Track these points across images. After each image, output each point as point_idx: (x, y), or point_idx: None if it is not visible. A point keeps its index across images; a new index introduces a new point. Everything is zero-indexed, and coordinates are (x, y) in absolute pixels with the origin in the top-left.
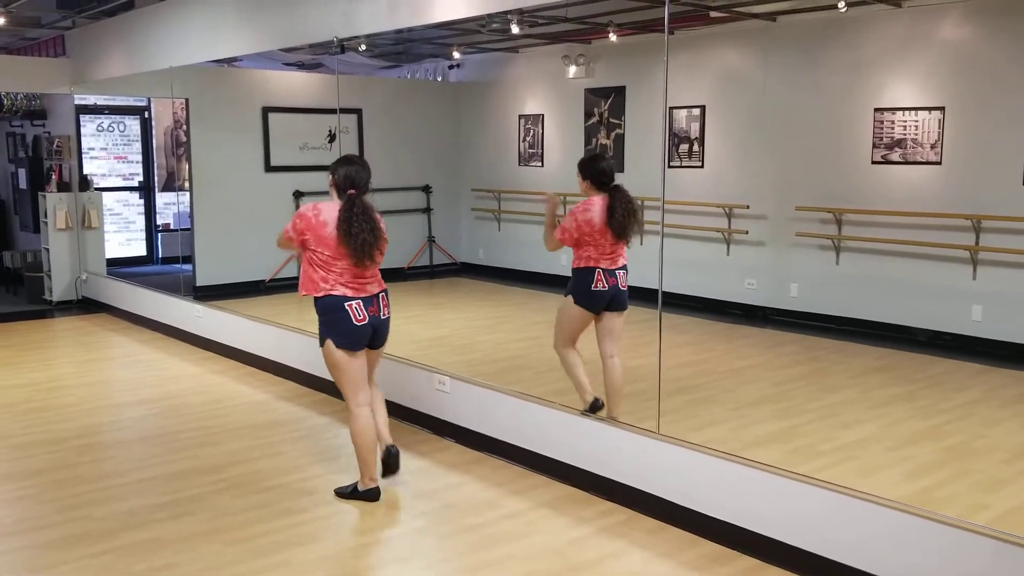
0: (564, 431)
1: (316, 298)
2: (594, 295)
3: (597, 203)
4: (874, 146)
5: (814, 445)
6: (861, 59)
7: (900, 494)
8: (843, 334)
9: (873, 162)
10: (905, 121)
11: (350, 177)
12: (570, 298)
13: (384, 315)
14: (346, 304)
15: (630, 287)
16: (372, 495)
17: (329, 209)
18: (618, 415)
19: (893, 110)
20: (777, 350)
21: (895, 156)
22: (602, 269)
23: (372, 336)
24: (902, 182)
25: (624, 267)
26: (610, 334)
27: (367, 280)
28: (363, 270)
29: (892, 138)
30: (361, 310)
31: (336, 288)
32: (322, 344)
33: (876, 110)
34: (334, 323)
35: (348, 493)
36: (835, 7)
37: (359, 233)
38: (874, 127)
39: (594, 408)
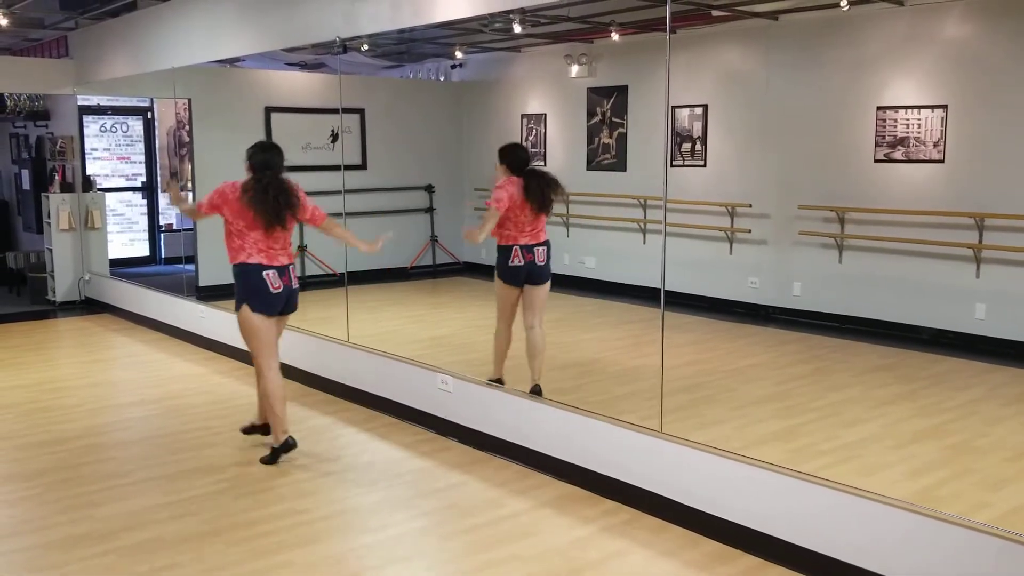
0: (566, 430)
1: (235, 265)
2: (511, 269)
3: (515, 181)
4: (877, 144)
5: (817, 444)
6: (863, 57)
7: (903, 493)
8: (846, 333)
9: (876, 160)
10: (908, 119)
11: (264, 162)
12: (496, 275)
13: (294, 285)
14: (263, 272)
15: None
16: (289, 445)
17: (241, 185)
18: (541, 380)
19: (896, 108)
20: (780, 349)
21: (898, 154)
22: (519, 246)
23: (287, 302)
24: (905, 180)
25: (545, 243)
26: (531, 306)
27: (278, 251)
28: (273, 236)
29: (895, 136)
30: (276, 278)
31: (252, 256)
32: (238, 309)
33: (879, 108)
34: (252, 289)
35: (271, 457)
36: (837, 5)
37: (271, 195)
38: (877, 125)
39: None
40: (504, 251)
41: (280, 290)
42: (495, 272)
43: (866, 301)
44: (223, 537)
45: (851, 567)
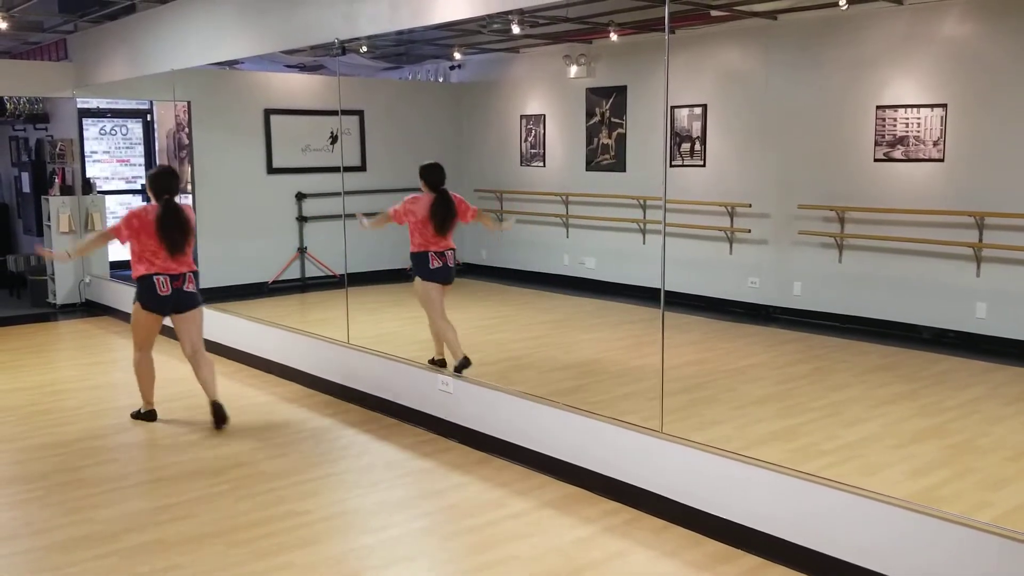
0: (568, 431)
1: (136, 277)
2: (433, 271)
3: (424, 199)
4: (876, 144)
5: (818, 443)
6: (863, 57)
7: (904, 492)
8: (846, 332)
9: (875, 160)
10: (907, 118)
11: (164, 187)
12: (418, 278)
13: (188, 289)
14: (154, 278)
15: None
16: (150, 416)
17: (151, 211)
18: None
19: (895, 107)
20: (780, 348)
21: (897, 154)
22: (433, 252)
23: (176, 303)
24: (905, 180)
25: (452, 249)
26: (443, 301)
27: (178, 263)
28: (175, 257)
29: (894, 135)
30: (166, 284)
31: (150, 269)
32: (134, 302)
33: (878, 107)
34: (143, 291)
35: (136, 414)
36: (836, 5)
37: (173, 232)
38: (876, 124)
39: (436, 362)
40: (421, 257)
41: (168, 293)
42: (417, 277)
43: (866, 301)
44: (224, 539)
45: (852, 566)
